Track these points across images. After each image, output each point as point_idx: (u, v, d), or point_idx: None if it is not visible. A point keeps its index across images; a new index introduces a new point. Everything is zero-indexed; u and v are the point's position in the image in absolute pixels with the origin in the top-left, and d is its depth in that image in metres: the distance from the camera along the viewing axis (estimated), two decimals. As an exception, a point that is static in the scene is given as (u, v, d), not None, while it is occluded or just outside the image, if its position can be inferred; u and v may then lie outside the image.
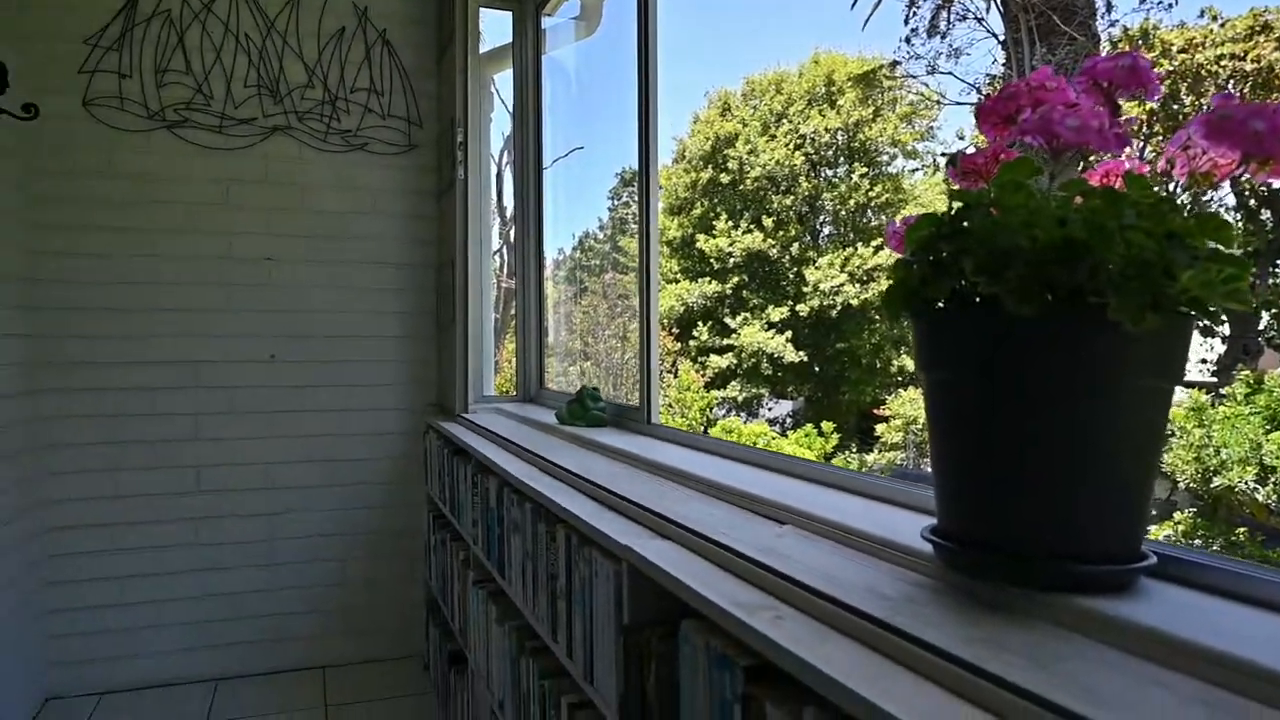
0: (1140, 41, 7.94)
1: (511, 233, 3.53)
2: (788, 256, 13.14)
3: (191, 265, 2.95)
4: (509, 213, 3.43)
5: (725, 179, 13.67)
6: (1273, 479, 5.10)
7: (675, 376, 11.89)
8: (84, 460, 2.85)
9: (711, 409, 11.85)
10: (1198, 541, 5.24)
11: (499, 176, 7.59)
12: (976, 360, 0.76)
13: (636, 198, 2.15)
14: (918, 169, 13.84)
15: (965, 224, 0.75)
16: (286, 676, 3.03)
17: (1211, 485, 5.38)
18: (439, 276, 3.20)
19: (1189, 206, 0.74)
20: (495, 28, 3.16)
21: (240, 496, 3.02)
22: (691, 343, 13.20)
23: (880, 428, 10.86)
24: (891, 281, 0.81)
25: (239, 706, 2.79)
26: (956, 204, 0.77)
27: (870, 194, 13.15)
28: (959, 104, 12.88)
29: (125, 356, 2.89)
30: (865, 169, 13.31)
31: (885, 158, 13.68)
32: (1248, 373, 5.84)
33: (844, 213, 13.40)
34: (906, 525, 0.97)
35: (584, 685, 1.26)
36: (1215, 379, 7.31)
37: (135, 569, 2.91)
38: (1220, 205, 7.03)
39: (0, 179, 2.54)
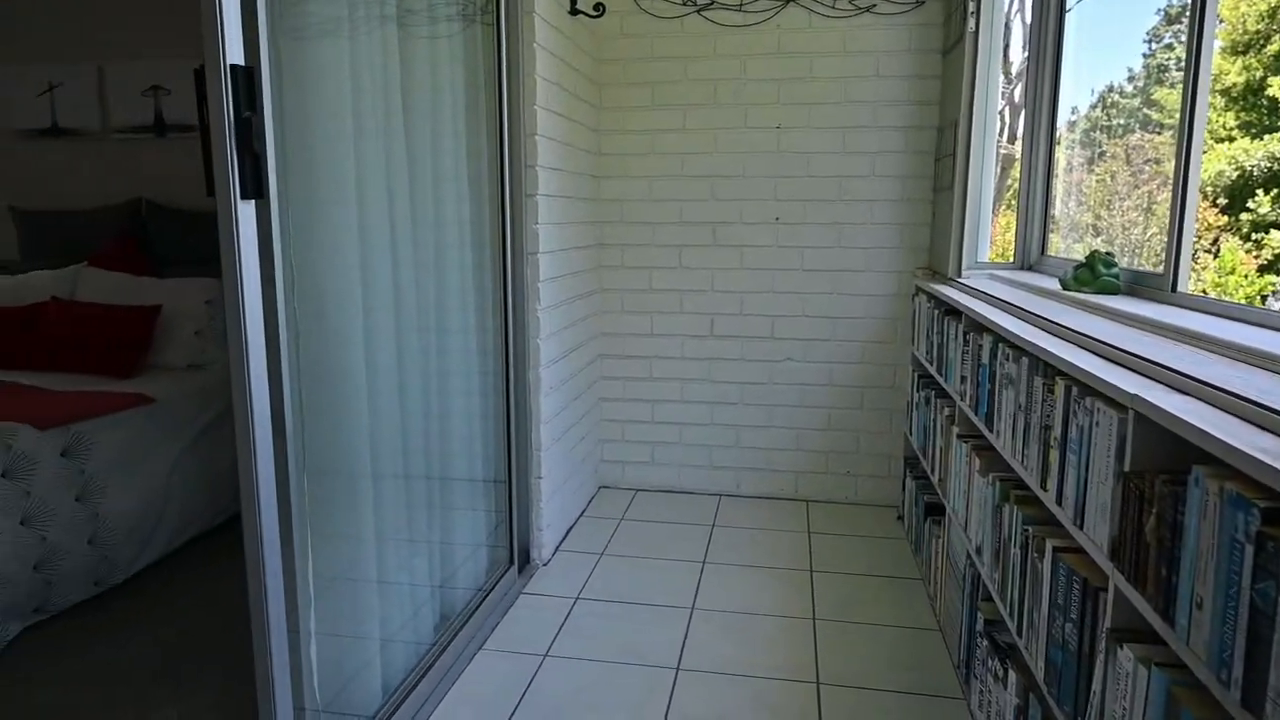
0: None
1: (1016, 91, 3.28)
2: None
3: (712, 137, 3.33)
4: (1014, 68, 3.18)
5: (1319, 5, 10.61)
6: None
7: (1215, 258, 9.99)
8: (628, 303, 3.50)
9: (1264, 299, 9.77)
10: None
11: (1006, 28, 6.94)
12: None
13: (1185, 35, 1.86)
14: None
15: None
16: (775, 502, 3.46)
17: None
18: (939, 139, 3.14)
19: None
20: None
21: (746, 343, 3.44)
22: (1244, 216, 10.87)
23: None
24: None
25: (738, 517, 3.29)
26: None
27: None
28: None
29: (658, 218, 3.42)
30: None
31: None
32: None
33: None
34: None
35: (1072, 529, 1.28)
36: None
37: (663, 395, 3.53)
38: None
39: (581, 70, 3.12)
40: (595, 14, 3.01)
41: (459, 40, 2.29)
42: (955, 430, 2.20)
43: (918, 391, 2.89)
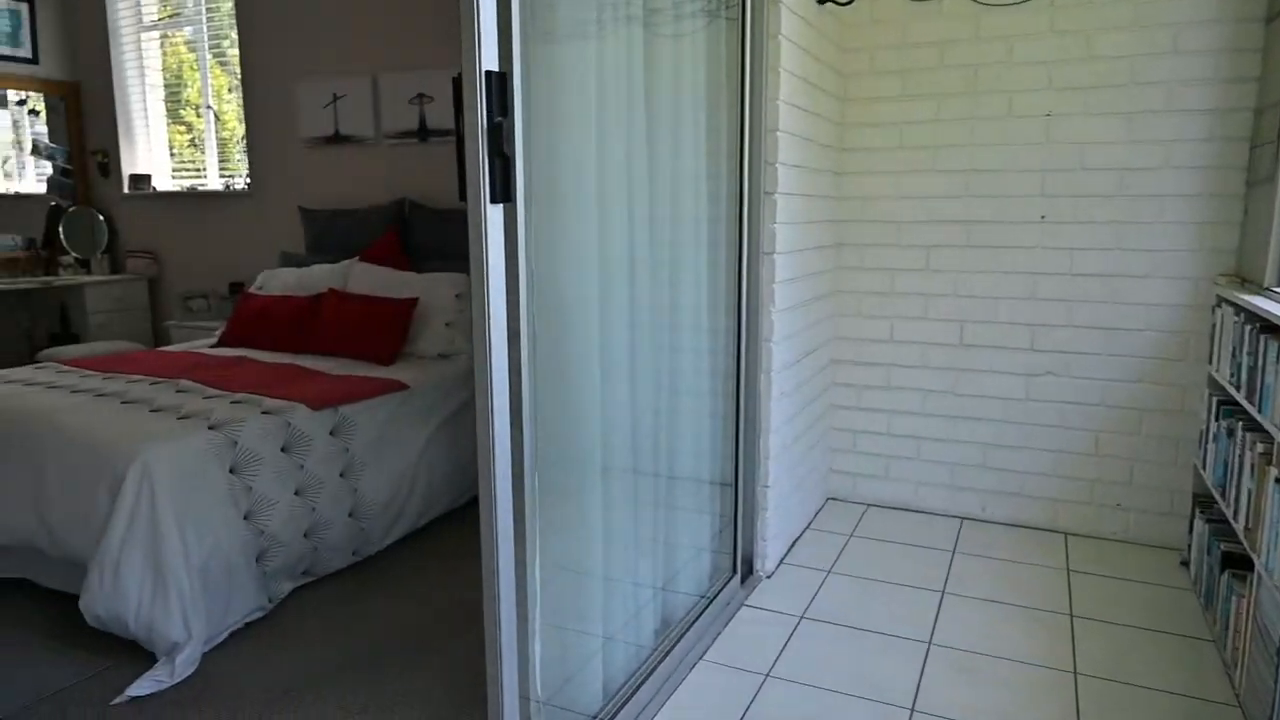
0: None
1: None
2: None
3: (969, 128, 3.05)
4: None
5: None
6: None
7: None
8: (866, 306, 3.29)
9: None
10: None
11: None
12: None
13: None
14: None
15: None
16: (1027, 532, 3.12)
17: None
18: (1256, 122, 2.66)
19: None
20: None
21: (1000, 354, 3.12)
22: None
23: None
24: None
25: (983, 545, 2.99)
26: None
27: None
28: None
29: (904, 216, 3.19)
30: None
31: None
32: None
33: None
34: None
35: None
36: None
37: (901, 406, 3.30)
38: None
39: (825, 61, 2.96)
40: (844, 1, 2.84)
41: (702, 36, 2.22)
42: (1273, 472, 1.83)
43: (1217, 420, 2.46)
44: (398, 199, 4.23)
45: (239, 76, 4.72)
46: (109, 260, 5.25)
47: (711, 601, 2.46)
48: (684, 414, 2.33)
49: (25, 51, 4.96)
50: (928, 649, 2.31)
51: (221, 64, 4.91)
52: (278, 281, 3.97)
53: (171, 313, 5.12)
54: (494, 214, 1.39)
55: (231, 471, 2.44)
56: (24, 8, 4.92)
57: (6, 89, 4.96)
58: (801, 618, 2.48)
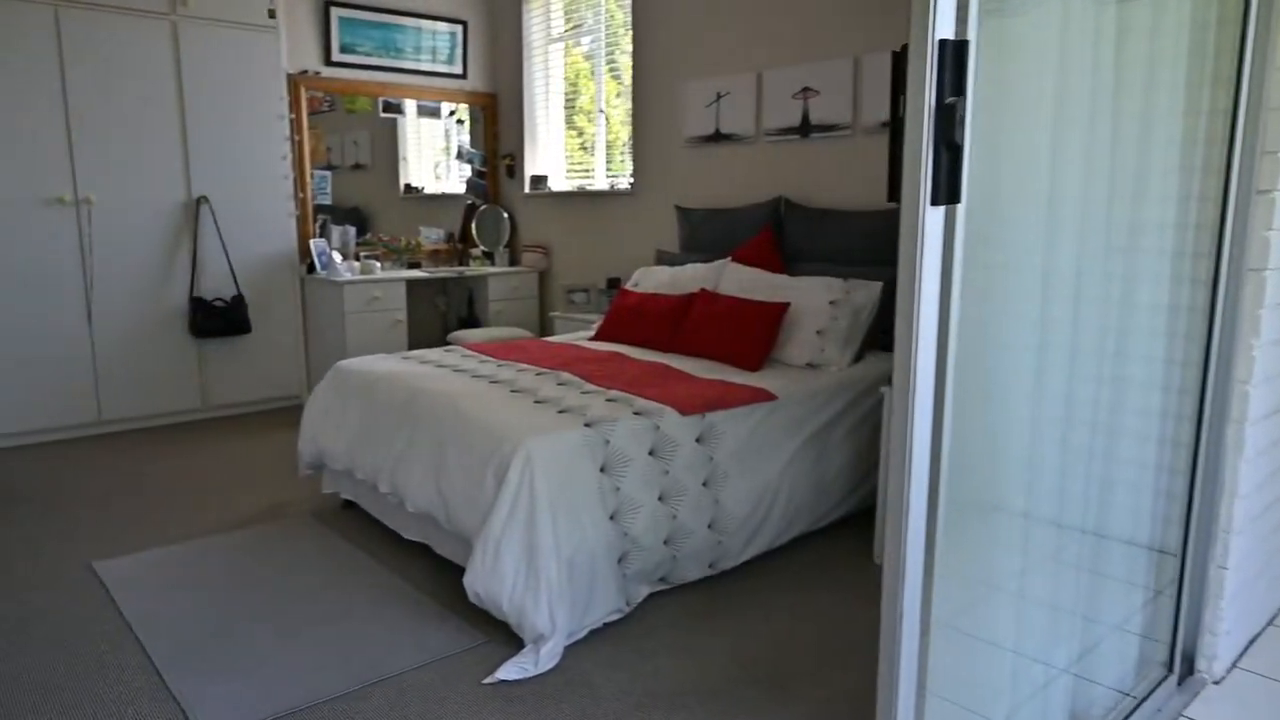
0: None
1: None
2: None
3: None
4: None
5: None
6: None
7: None
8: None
9: None
10: None
11: None
12: None
13: None
14: None
15: None
16: None
17: None
18: None
19: None
20: None
21: None
22: None
23: None
24: None
25: None
26: None
27: None
28: None
29: None
30: None
31: None
32: None
33: None
34: None
35: None
36: None
37: None
38: None
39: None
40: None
41: (1187, -9, 1.73)
42: None
43: None
44: (774, 197, 4.10)
45: (626, 82, 4.92)
46: (508, 254, 5.82)
47: (1139, 704, 1.96)
48: (1122, 460, 1.87)
49: (458, 68, 5.65)
50: None
51: (612, 72, 5.16)
52: (651, 279, 4.04)
53: (555, 304, 5.54)
54: (933, 217, 1.12)
55: (602, 470, 2.44)
56: (459, 29, 5.60)
57: (442, 102, 5.68)
58: (1270, 750, 1.88)
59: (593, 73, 5.31)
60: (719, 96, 4.34)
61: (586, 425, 2.48)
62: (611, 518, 2.43)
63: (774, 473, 2.83)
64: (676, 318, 3.64)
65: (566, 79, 5.48)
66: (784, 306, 3.36)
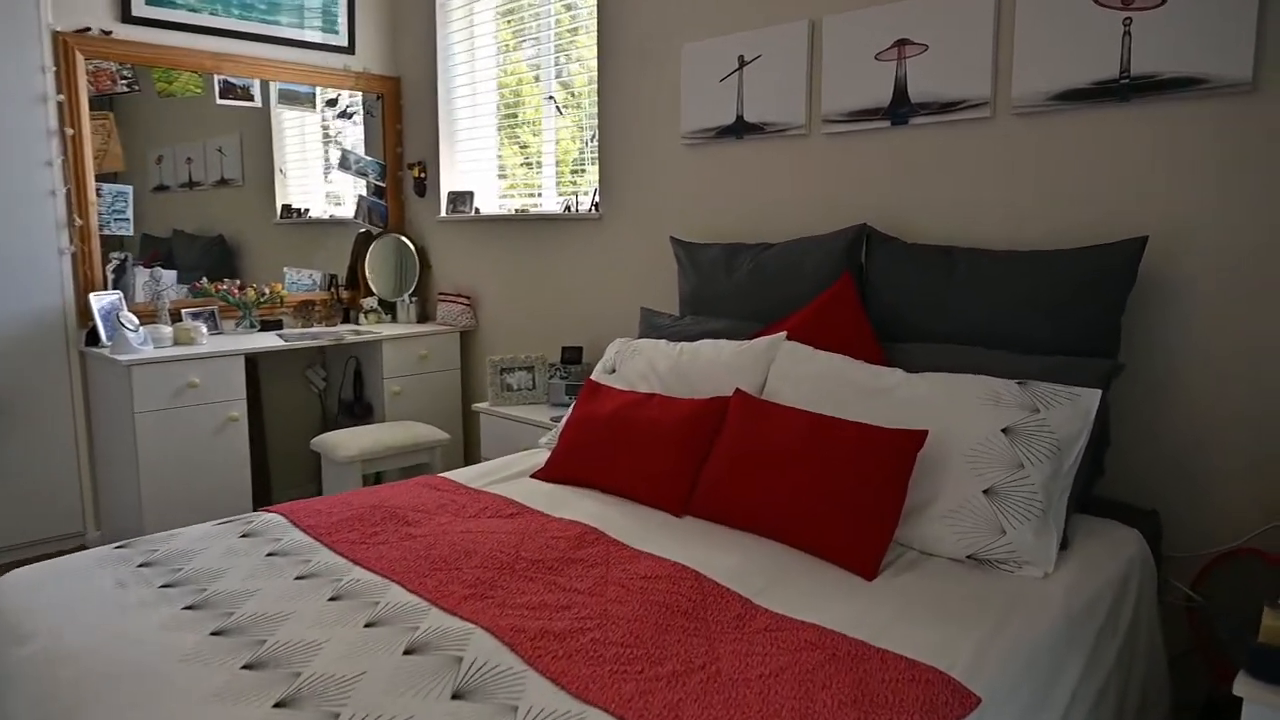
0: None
1: None
2: None
3: None
4: None
5: None
6: None
7: None
8: None
9: None
10: None
11: None
12: None
13: None
14: None
15: None
16: None
17: None
18: None
19: None
20: None
21: None
22: None
23: None
24: None
25: None
26: None
27: None
28: None
29: None
30: None
31: None
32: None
33: None
34: None
35: None
36: None
37: None
38: None
39: None
40: None
41: None
42: None
43: None
44: (849, 226, 2.46)
45: (590, 70, 3.26)
46: (415, 306, 4.09)
47: None
48: None
49: (339, 38, 3.94)
50: None
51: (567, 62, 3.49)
52: (638, 363, 2.36)
53: (484, 385, 3.80)
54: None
55: None
56: None
57: (316, 86, 3.95)
58: None
59: (538, 65, 3.62)
60: (743, 63, 2.69)
61: None
62: None
63: None
64: (697, 449, 1.96)
65: (506, 85, 3.77)
66: (918, 437, 1.70)
